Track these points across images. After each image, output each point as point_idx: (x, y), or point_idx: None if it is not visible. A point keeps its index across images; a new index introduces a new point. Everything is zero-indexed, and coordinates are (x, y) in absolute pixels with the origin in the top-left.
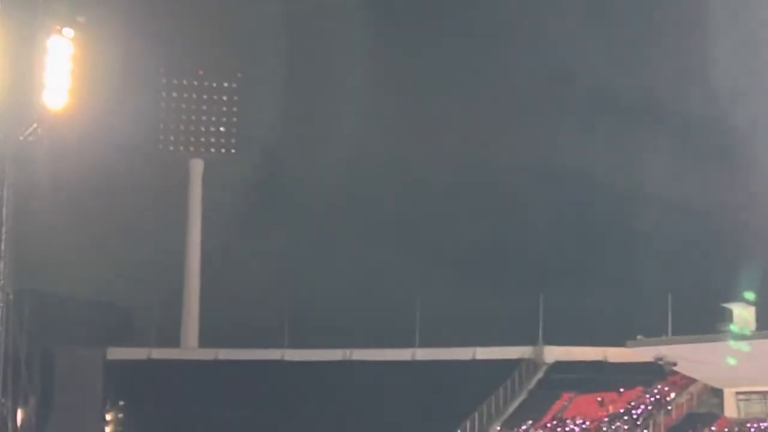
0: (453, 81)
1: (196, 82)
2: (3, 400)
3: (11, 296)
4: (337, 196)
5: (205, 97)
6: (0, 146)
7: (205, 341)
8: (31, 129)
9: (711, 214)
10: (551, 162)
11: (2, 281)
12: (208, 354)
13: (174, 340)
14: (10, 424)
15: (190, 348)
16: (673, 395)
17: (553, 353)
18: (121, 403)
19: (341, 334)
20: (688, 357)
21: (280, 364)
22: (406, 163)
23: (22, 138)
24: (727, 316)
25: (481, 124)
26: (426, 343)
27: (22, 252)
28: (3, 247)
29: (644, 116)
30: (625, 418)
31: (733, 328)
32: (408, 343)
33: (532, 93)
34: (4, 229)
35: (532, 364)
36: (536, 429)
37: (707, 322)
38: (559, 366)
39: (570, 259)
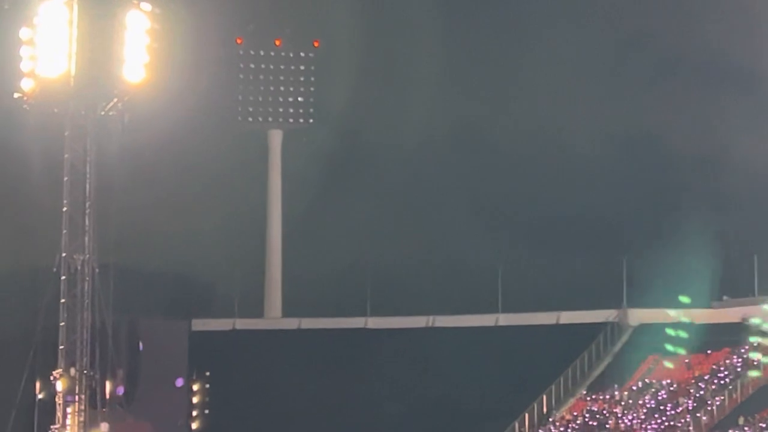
0: (527, 47)
1: (273, 53)
2: (92, 373)
3: (97, 270)
4: (417, 163)
5: (282, 67)
6: (81, 121)
7: (288, 311)
8: (111, 104)
9: None
10: (631, 124)
11: (87, 255)
12: (291, 323)
13: (257, 311)
14: (98, 396)
15: (274, 318)
16: (760, 356)
17: (638, 316)
18: (207, 373)
19: (424, 300)
20: None
21: (363, 331)
22: (486, 129)
23: (102, 113)
24: None
25: (557, 89)
26: (509, 309)
27: (106, 226)
28: (87, 221)
29: (720, 76)
30: (713, 379)
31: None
32: (491, 309)
33: (607, 57)
34: (88, 204)
35: (617, 328)
36: (622, 392)
37: None
38: (645, 329)
39: (653, 221)
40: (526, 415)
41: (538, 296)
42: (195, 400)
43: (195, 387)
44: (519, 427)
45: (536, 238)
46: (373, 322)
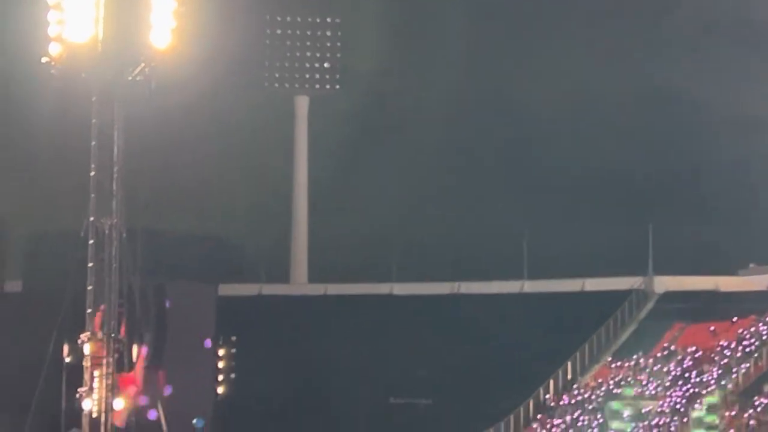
0: (558, 7)
1: (299, 18)
2: (119, 336)
3: (124, 234)
4: (443, 128)
5: (309, 33)
6: (109, 87)
7: (314, 277)
8: (138, 69)
9: None
10: (659, 89)
11: (115, 220)
12: (317, 289)
13: (284, 276)
14: (126, 360)
15: (300, 283)
16: None
17: (664, 283)
18: (233, 338)
19: (449, 267)
20: None
21: (389, 298)
22: (511, 93)
23: (130, 78)
24: None
25: (587, 52)
26: (535, 275)
27: (133, 190)
28: (115, 186)
29: (755, 40)
30: (738, 347)
31: None
32: (516, 276)
33: (636, 19)
34: (115, 169)
35: (643, 295)
36: (647, 360)
37: None
38: (670, 296)
39: (679, 188)
40: (551, 382)
41: (564, 263)
42: (221, 364)
43: (221, 351)
44: (543, 394)
45: (562, 204)
46: (399, 288)
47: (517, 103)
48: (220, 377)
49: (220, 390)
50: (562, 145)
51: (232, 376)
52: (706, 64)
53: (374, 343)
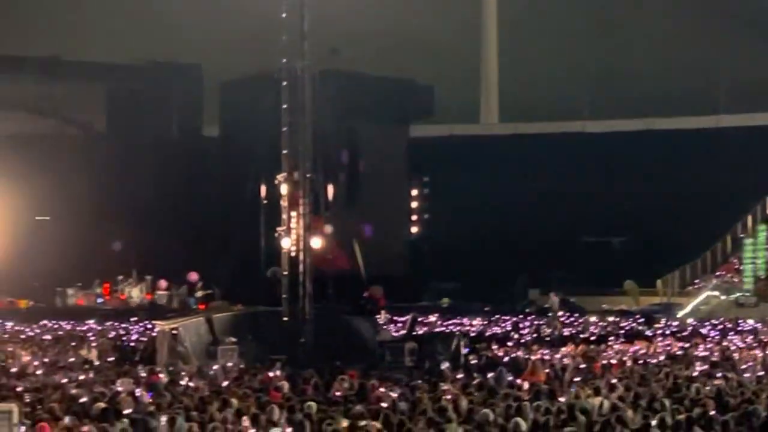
0: None
1: None
2: (314, 177)
3: (317, 76)
4: None
5: None
6: None
7: (504, 116)
8: None
9: None
10: None
11: (307, 61)
12: (507, 129)
13: (474, 116)
14: (321, 200)
15: (490, 123)
16: None
17: None
18: (425, 178)
19: (643, 103)
20: None
21: (581, 135)
22: None
23: None
24: None
25: None
26: (730, 110)
27: (325, 32)
28: (306, 27)
29: None
30: None
31: None
32: (711, 110)
33: None
34: (306, 10)
35: None
36: None
37: None
38: None
39: None
40: (749, 217)
41: (763, 95)
42: (414, 204)
43: (414, 192)
44: (741, 229)
45: (760, 33)
46: (591, 126)
47: None
48: (413, 217)
49: (414, 230)
50: None
51: (425, 216)
52: None
53: (566, 181)
